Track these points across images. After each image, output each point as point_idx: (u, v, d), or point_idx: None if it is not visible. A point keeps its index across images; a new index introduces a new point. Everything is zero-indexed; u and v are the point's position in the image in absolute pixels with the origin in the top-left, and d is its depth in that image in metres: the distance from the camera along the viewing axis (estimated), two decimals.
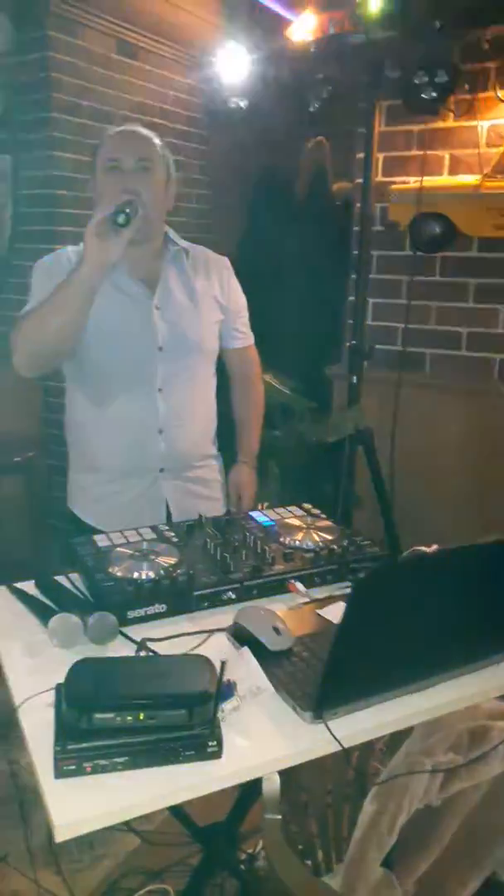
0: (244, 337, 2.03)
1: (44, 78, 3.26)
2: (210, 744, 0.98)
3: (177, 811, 1.53)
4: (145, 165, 1.71)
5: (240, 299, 1.98)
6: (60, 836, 0.88)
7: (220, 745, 0.98)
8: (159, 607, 1.32)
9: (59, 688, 1.03)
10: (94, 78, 3.44)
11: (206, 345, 1.88)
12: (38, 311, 1.66)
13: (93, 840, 2.05)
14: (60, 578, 1.45)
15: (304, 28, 3.09)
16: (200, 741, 0.97)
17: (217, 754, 0.98)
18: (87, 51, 3.38)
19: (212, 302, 1.89)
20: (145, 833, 1.89)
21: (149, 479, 1.84)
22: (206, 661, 1.05)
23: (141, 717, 0.96)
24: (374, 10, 2.22)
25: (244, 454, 2.05)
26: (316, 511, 1.70)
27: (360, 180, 2.51)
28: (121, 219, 1.51)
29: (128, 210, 1.53)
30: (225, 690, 1.03)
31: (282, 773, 1.18)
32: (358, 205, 2.63)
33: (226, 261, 1.97)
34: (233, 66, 3.24)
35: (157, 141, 1.78)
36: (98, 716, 0.96)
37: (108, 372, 1.78)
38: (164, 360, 1.79)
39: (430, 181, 2.59)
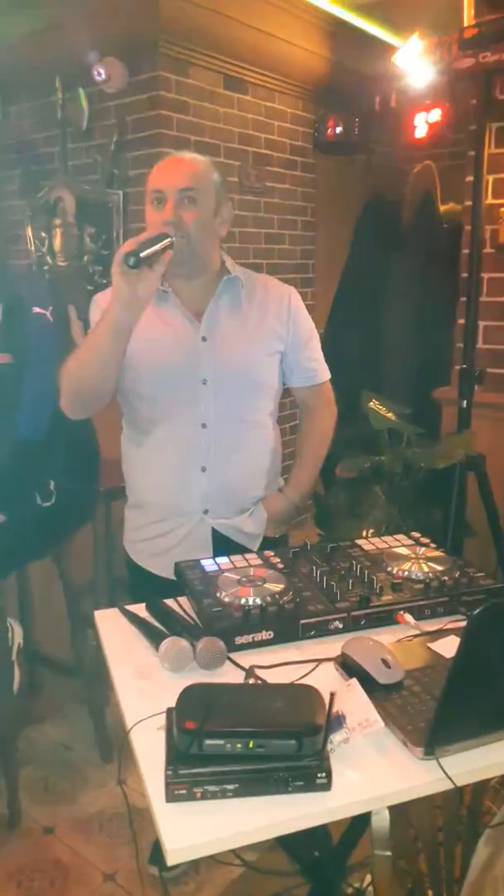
0: (313, 374, 1.89)
1: (153, 116, 3.40)
2: (319, 775, 0.97)
3: (284, 841, 1.52)
4: (190, 196, 1.62)
5: (304, 331, 1.84)
6: (172, 860, 0.90)
7: (329, 777, 0.97)
8: (266, 634, 1.31)
9: (169, 712, 1.05)
10: (201, 113, 3.55)
11: (257, 378, 1.77)
12: (76, 352, 1.63)
13: (199, 864, 2.06)
14: (170, 602, 1.48)
15: (411, 53, 3.10)
16: (309, 772, 0.96)
17: (326, 786, 0.97)
18: (194, 87, 3.50)
19: (268, 333, 1.77)
20: (250, 861, 1.88)
21: (192, 521, 1.75)
22: (316, 692, 1.04)
23: (251, 746, 0.96)
24: (482, 34, 2.19)
25: (288, 487, 1.90)
26: (425, 540, 1.66)
27: (469, 203, 2.47)
28: (131, 261, 1.43)
29: (143, 253, 1.43)
30: (334, 722, 1.02)
31: (391, 808, 1.16)
32: (467, 227, 2.59)
33: (290, 289, 1.85)
34: (340, 93, 3.28)
35: (203, 167, 1.68)
36: (208, 742, 0.96)
37: (151, 405, 1.73)
38: (209, 394, 1.70)
39: None
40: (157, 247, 1.47)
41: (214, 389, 1.71)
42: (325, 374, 1.92)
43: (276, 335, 1.79)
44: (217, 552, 1.70)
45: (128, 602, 1.50)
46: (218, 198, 1.69)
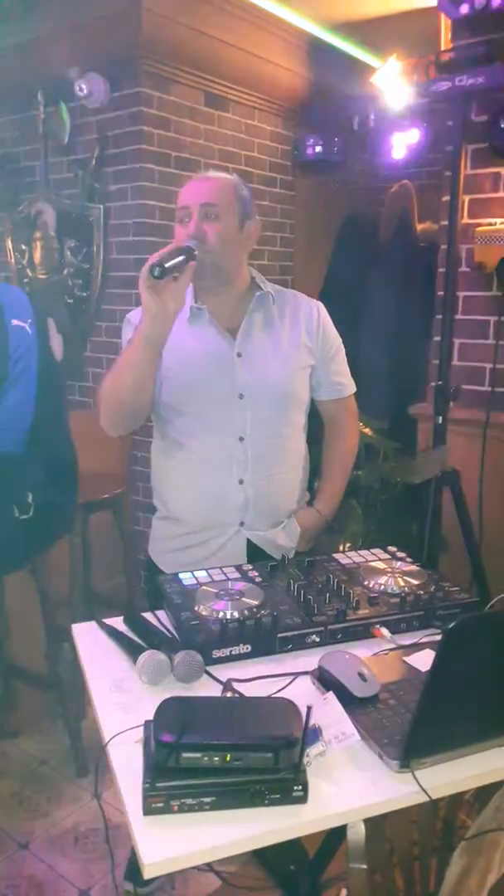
0: (340, 388, 1.93)
1: (135, 131, 3.42)
2: (295, 788, 0.98)
3: (260, 854, 1.52)
4: (213, 212, 1.68)
5: (332, 346, 1.88)
6: (149, 874, 0.90)
7: (305, 790, 0.98)
8: (243, 648, 1.33)
9: (147, 725, 1.05)
10: (182, 129, 3.58)
11: (291, 392, 1.81)
12: (112, 370, 1.67)
13: (175, 879, 2.05)
14: (147, 615, 1.48)
15: (389, 74, 3.15)
16: (286, 785, 0.97)
17: (302, 799, 0.98)
18: (176, 104, 3.53)
19: (300, 347, 1.81)
20: (226, 874, 1.88)
21: (228, 533, 1.78)
22: (293, 706, 1.05)
23: (227, 759, 0.97)
24: (459, 58, 2.24)
25: (319, 501, 1.93)
26: (401, 554, 1.68)
27: (445, 222, 2.51)
28: (156, 271, 1.47)
29: (167, 263, 1.48)
30: (310, 735, 1.03)
31: (367, 821, 1.17)
32: (444, 246, 2.63)
33: (318, 305, 1.88)
34: (320, 112, 3.32)
35: (228, 185, 1.74)
36: (186, 755, 0.97)
37: (189, 420, 1.75)
38: (245, 408, 1.74)
39: None
40: (179, 258, 1.51)
41: (251, 403, 1.74)
42: (351, 387, 1.96)
43: (308, 349, 1.83)
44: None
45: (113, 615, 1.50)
46: (242, 213, 1.73)
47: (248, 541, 1.80)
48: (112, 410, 1.72)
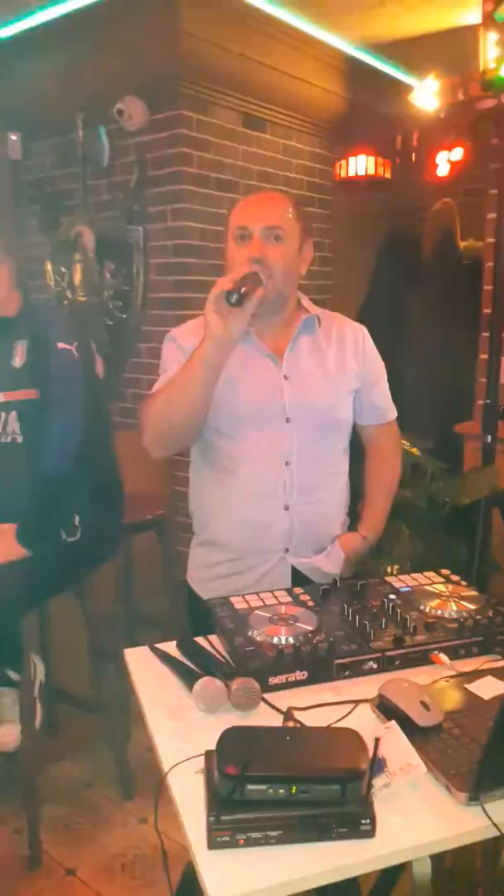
0: (383, 412, 1.89)
1: (174, 154, 3.46)
2: (363, 822, 0.95)
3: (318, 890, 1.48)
4: (276, 234, 1.64)
5: (376, 370, 1.85)
6: None
7: (373, 823, 0.95)
8: (300, 675, 1.30)
9: (209, 755, 1.04)
10: (221, 151, 3.62)
11: (337, 417, 1.78)
12: (164, 391, 1.64)
13: None
14: (200, 640, 1.47)
15: (427, 93, 3.15)
16: (354, 818, 0.95)
17: (370, 833, 0.95)
18: (214, 126, 3.57)
19: (345, 371, 1.78)
20: None
21: (273, 560, 1.73)
22: (358, 736, 1.03)
23: (293, 791, 0.95)
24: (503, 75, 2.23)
25: (363, 527, 1.88)
26: (455, 578, 1.65)
27: (491, 240, 2.50)
28: (233, 298, 1.45)
29: (243, 289, 1.46)
30: (375, 767, 1.01)
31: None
32: (489, 264, 2.61)
33: (362, 329, 1.85)
34: (359, 131, 3.33)
35: (289, 206, 1.70)
36: (251, 787, 0.95)
37: (235, 444, 1.72)
38: (291, 433, 1.70)
39: None
40: (252, 285, 1.49)
41: (297, 427, 1.71)
42: (393, 412, 1.93)
43: (353, 373, 1.79)
44: None
45: (159, 639, 1.49)
46: (302, 236, 1.71)
47: (293, 569, 1.75)
48: (160, 431, 1.68)
